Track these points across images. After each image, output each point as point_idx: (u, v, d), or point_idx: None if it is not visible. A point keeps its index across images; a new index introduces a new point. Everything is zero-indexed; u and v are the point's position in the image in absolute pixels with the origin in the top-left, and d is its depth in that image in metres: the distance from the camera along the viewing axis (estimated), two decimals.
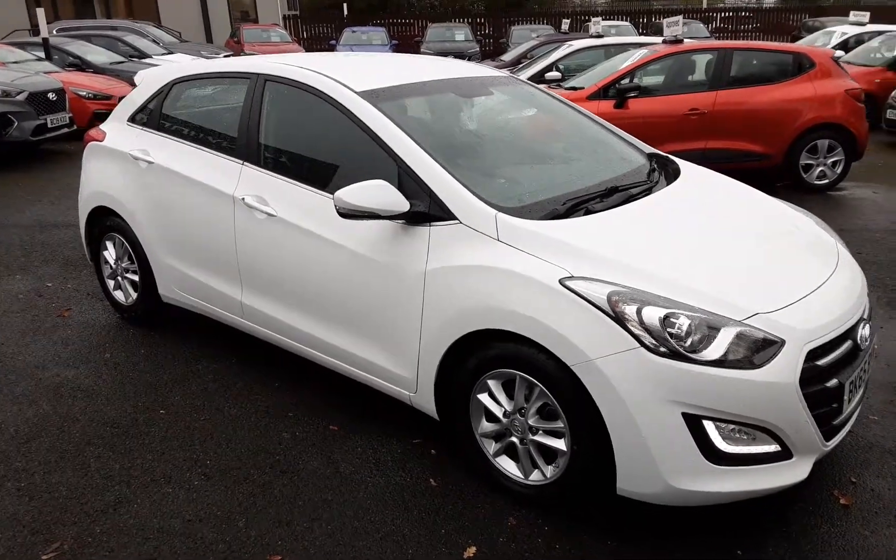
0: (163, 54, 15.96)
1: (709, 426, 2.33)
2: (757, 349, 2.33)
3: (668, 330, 2.32)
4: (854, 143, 7.69)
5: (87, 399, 3.55)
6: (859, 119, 7.78)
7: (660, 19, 24.56)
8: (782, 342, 2.36)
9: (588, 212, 2.84)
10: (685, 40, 8.24)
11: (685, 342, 2.32)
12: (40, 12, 13.11)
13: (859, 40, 14.39)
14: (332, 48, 21.71)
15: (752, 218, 3.18)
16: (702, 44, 8.77)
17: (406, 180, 2.90)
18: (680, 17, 8.07)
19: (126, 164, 4.08)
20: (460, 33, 23.13)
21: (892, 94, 10.34)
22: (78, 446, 3.16)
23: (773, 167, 7.75)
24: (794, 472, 2.43)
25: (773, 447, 2.38)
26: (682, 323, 2.33)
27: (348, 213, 2.81)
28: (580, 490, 2.58)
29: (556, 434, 2.59)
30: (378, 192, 2.79)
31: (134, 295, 4.34)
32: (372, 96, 3.21)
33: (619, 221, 2.83)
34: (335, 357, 3.27)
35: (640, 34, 23.77)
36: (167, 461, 3.04)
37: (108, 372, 3.82)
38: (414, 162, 2.91)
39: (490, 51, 25.26)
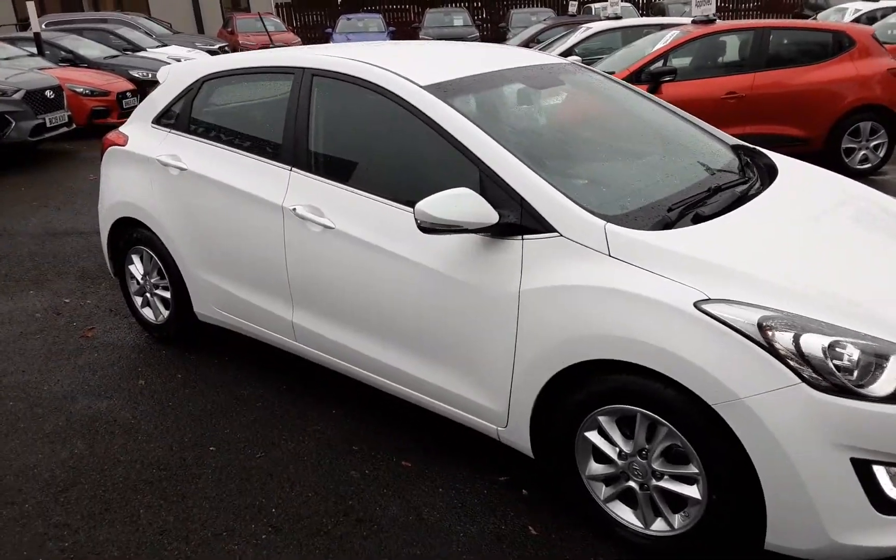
0: (157, 46, 15.46)
1: (879, 472, 2.00)
2: None
3: (835, 361, 1.98)
4: (893, 121, 7.37)
5: (126, 435, 3.19)
6: None
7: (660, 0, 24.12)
8: None
9: (699, 218, 2.49)
10: (717, 20, 7.87)
11: (853, 376, 1.98)
12: (31, 6, 12.59)
13: (871, 18, 14.08)
14: (328, 37, 21.19)
15: (881, 218, 2.84)
16: (737, 24, 8.41)
17: (491, 187, 2.54)
18: None
19: (154, 171, 3.71)
20: (458, 18, 22.72)
21: None
22: (123, 494, 2.81)
23: (814, 151, 7.41)
24: None
25: None
26: (851, 353, 2.00)
27: (430, 228, 2.45)
28: (715, 543, 2.25)
29: (686, 480, 2.26)
30: (463, 202, 2.44)
31: (165, 313, 3.98)
32: (440, 91, 2.85)
33: (741, 229, 2.48)
34: (406, 385, 2.92)
35: (641, 15, 23.35)
36: (227, 510, 2.70)
37: (145, 402, 3.46)
38: (500, 166, 2.55)
39: (489, 36, 24.79)
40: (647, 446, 2.31)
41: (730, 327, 2.06)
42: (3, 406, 3.45)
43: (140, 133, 3.88)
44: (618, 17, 10.67)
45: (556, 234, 2.40)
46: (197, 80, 3.68)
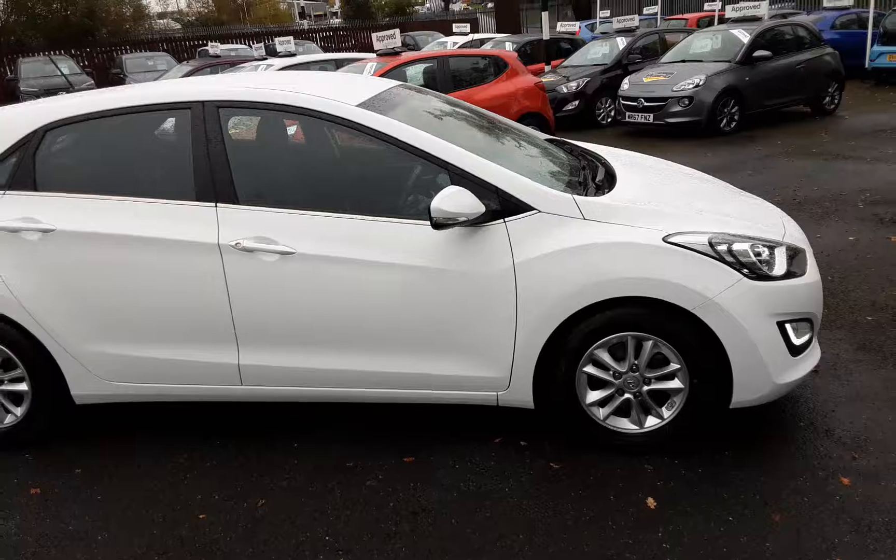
0: None
1: (789, 328, 2.93)
2: (796, 260, 2.99)
3: (758, 257, 2.84)
4: (547, 124, 9.22)
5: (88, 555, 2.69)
6: (547, 105, 9.40)
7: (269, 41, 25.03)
8: (804, 251, 3.07)
9: (611, 184, 3.20)
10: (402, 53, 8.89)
11: (766, 266, 2.87)
12: None
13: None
14: None
15: (688, 175, 3.89)
16: (419, 54, 9.54)
17: (463, 184, 2.88)
18: (397, 31, 8.66)
19: None
20: (63, 66, 20.61)
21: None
22: None
23: None
24: (818, 350, 3.17)
25: (810, 334, 3.08)
26: (762, 251, 2.89)
27: (442, 223, 2.73)
28: (695, 419, 2.96)
29: (668, 377, 2.94)
30: (461, 198, 2.78)
31: (18, 412, 3.31)
32: (375, 109, 3.09)
33: (639, 190, 3.25)
34: (393, 387, 3.09)
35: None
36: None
37: (81, 552, 2.90)
38: (470, 165, 2.93)
39: (102, 82, 22.88)
40: (635, 361, 2.93)
41: (691, 249, 2.80)
42: None
43: None
44: (291, 54, 11.09)
45: (535, 211, 2.88)
46: (35, 131, 3.17)
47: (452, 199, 2.74)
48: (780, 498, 2.69)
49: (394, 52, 8.77)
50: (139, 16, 39.89)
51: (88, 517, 2.87)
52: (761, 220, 3.18)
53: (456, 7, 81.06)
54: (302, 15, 33.74)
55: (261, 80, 3.35)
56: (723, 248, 2.82)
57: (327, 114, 3.04)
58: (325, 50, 26.86)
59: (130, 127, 3.24)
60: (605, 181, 3.31)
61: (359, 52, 24.69)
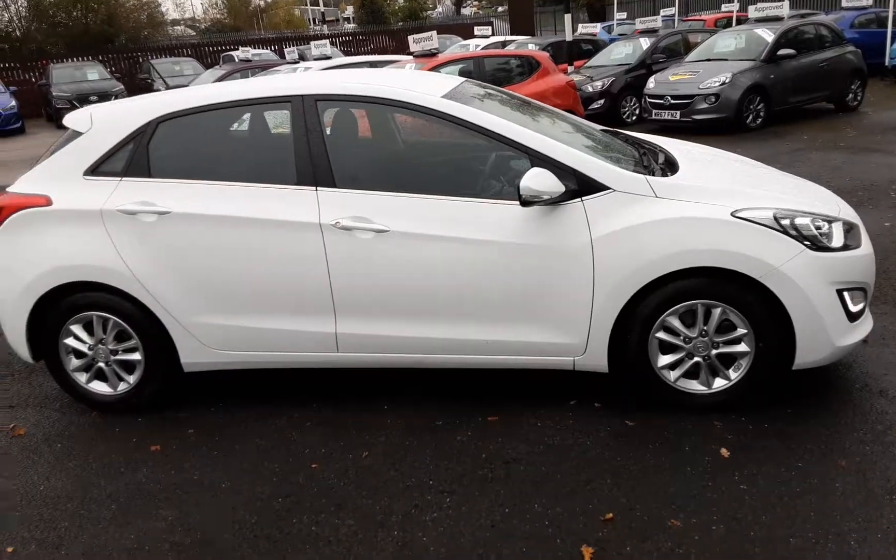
0: None
1: (846, 295, 3.19)
2: (851, 233, 3.25)
3: (818, 231, 3.11)
4: None
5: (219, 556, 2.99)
6: (578, 103, 9.66)
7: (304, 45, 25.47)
8: (858, 226, 3.33)
9: (673, 168, 3.48)
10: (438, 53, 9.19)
11: (825, 239, 3.13)
12: None
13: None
14: None
15: (742, 161, 4.16)
16: (457, 55, 9.83)
17: (542, 167, 3.16)
18: (434, 33, 8.97)
19: (113, 223, 3.40)
20: (93, 71, 21.14)
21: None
22: None
23: None
24: (870, 318, 3.42)
25: (864, 302, 3.33)
26: (820, 225, 3.15)
27: (529, 200, 3.02)
28: (760, 380, 3.22)
29: (735, 342, 3.20)
30: (545, 178, 3.06)
31: (131, 380, 3.61)
32: (456, 100, 3.37)
33: (701, 173, 3.52)
34: (474, 352, 3.36)
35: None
36: (398, 503, 2.84)
37: (210, 496, 3.21)
38: (550, 149, 3.22)
39: (133, 87, 23.36)
40: (704, 327, 3.19)
41: (758, 223, 3.06)
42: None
43: (70, 188, 3.47)
44: (326, 57, 11.43)
45: (610, 190, 3.15)
46: (149, 122, 3.47)
47: (538, 179, 3.03)
48: (843, 448, 2.95)
49: (430, 54, 9.07)
50: (157, 22, 40.60)
51: (209, 469, 3.17)
52: (818, 199, 3.44)
53: (467, 11, 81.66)
54: (323, 20, 34.18)
55: (351, 76, 3.64)
56: (786, 221, 3.09)
57: (418, 105, 3.34)
58: (345, 54, 27.32)
59: (235, 119, 3.55)
60: (667, 165, 3.59)
61: (378, 54, 25.12)
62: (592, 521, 2.65)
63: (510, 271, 3.20)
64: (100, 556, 2.68)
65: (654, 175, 3.31)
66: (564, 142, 3.38)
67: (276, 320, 3.43)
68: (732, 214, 3.09)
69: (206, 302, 3.44)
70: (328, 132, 3.41)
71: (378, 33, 35.03)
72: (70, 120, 3.63)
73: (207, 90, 3.61)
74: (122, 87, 20.25)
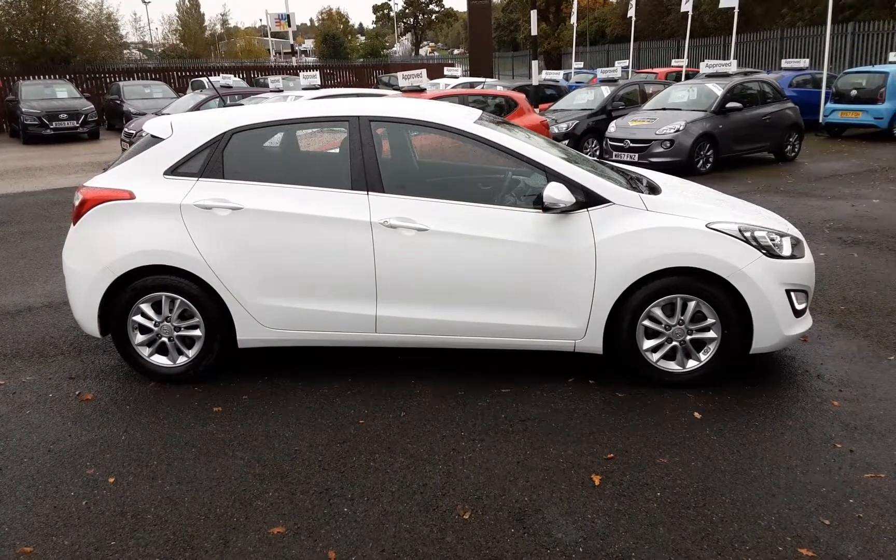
0: None
1: (792, 295, 3.98)
2: (797, 246, 4.07)
3: (772, 242, 3.91)
4: None
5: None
6: None
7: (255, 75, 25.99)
8: (802, 241, 4.15)
9: (656, 190, 4.26)
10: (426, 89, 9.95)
11: (778, 249, 3.93)
12: None
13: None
14: None
15: (704, 190, 4.98)
16: (445, 92, 10.61)
17: (556, 181, 3.89)
18: (424, 70, 9.74)
19: (190, 216, 3.97)
20: (62, 90, 21.24)
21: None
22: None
23: None
24: (810, 318, 4.23)
25: (805, 302, 4.14)
26: (775, 237, 3.95)
27: (549, 207, 3.75)
28: (724, 362, 3.98)
29: (705, 330, 3.95)
30: (562, 191, 3.79)
31: (190, 354, 4.15)
32: (483, 126, 4.09)
33: (680, 195, 4.31)
34: (494, 335, 4.03)
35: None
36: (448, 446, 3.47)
37: (276, 442, 3.77)
38: (563, 169, 3.96)
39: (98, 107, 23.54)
40: (682, 317, 3.94)
41: (726, 233, 3.85)
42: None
43: (152, 185, 4.04)
44: (315, 87, 12.06)
45: (611, 203, 3.90)
46: (224, 132, 4.08)
47: (557, 191, 3.76)
48: (790, 413, 3.71)
49: (418, 89, 9.83)
50: (114, 45, 40.46)
51: (270, 423, 3.74)
52: (770, 219, 4.27)
53: (423, 51, 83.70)
54: (292, 51, 34.85)
55: (393, 103, 4.34)
56: (748, 233, 3.88)
57: (455, 128, 4.04)
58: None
59: (301, 133, 4.20)
60: (650, 188, 4.36)
61: (342, 88, 25.88)
62: (598, 459, 3.33)
63: (526, 266, 3.89)
64: (193, 483, 3.23)
65: (643, 194, 4.07)
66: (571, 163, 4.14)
67: (325, 303, 4.04)
68: (707, 225, 3.87)
69: (267, 286, 4.02)
70: (381, 146, 4.08)
71: (342, 67, 35.95)
72: (150, 127, 4.21)
73: (275, 108, 4.25)
74: (92, 106, 20.45)
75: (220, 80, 19.88)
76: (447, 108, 4.36)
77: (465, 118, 4.15)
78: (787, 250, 3.98)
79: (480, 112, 4.69)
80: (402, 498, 3.08)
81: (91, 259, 4.06)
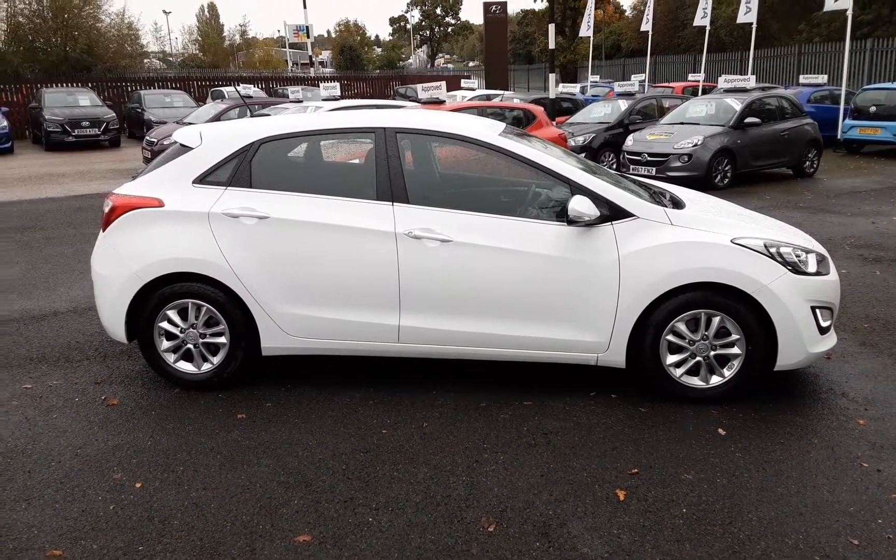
0: None
1: (817, 312, 3.96)
2: (822, 263, 4.05)
3: (798, 258, 3.89)
4: None
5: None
6: None
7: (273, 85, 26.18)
8: (827, 258, 4.14)
9: (679, 205, 4.25)
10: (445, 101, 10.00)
11: (804, 265, 3.91)
12: None
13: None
14: None
15: (732, 207, 4.97)
16: (465, 104, 10.67)
17: (581, 195, 3.91)
18: (443, 82, 9.80)
19: (218, 224, 4.01)
20: (84, 98, 21.53)
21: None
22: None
23: None
24: (835, 335, 4.20)
25: (831, 319, 4.11)
26: (801, 253, 3.94)
27: (574, 220, 3.76)
28: (748, 378, 3.96)
29: (729, 345, 3.93)
30: (587, 204, 3.80)
31: (215, 361, 4.19)
32: (507, 138, 4.11)
33: (703, 209, 4.31)
34: (514, 347, 4.04)
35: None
36: (457, 457, 3.48)
37: (301, 450, 3.79)
38: (588, 182, 3.97)
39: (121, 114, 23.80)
40: (706, 332, 3.93)
41: (752, 249, 3.84)
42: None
43: (181, 192, 4.09)
44: (335, 98, 12.16)
45: (635, 217, 3.90)
46: (252, 143, 4.13)
47: (582, 204, 3.77)
48: (815, 431, 3.69)
49: (437, 101, 9.88)
50: (136, 54, 40.95)
51: (294, 431, 3.76)
52: (795, 235, 4.25)
53: (439, 63, 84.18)
54: (310, 62, 35.19)
55: (418, 115, 4.37)
56: (774, 249, 3.87)
57: (480, 140, 4.06)
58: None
59: (326, 143, 4.24)
60: (673, 202, 4.36)
61: (360, 99, 26.05)
62: (622, 473, 3.33)
63: (550, 279, 3.90)
64: (219, 490, 3.25)
65: (667, 208, 4.07)
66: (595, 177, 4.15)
67: (349, 312, 4.06)
68: (732, 241, 3.86)
69: (292, 294, 4.05)
70: (407, 158, 4.11)
71: (359, 78, 36.18)
72: (180, 136, 4.27)
73: (302, 119, 4.30)
74: (114, 114, 20.69)
75: (248, 89, 20.05)
76: (472, 121, 4.38)
77: (490, 130, 4.17)
78: (812, 267, 3.97)
79: (504, 124, 4.72)
80: (426, 509, 3.09)
81: (120, 265, 4.11)
